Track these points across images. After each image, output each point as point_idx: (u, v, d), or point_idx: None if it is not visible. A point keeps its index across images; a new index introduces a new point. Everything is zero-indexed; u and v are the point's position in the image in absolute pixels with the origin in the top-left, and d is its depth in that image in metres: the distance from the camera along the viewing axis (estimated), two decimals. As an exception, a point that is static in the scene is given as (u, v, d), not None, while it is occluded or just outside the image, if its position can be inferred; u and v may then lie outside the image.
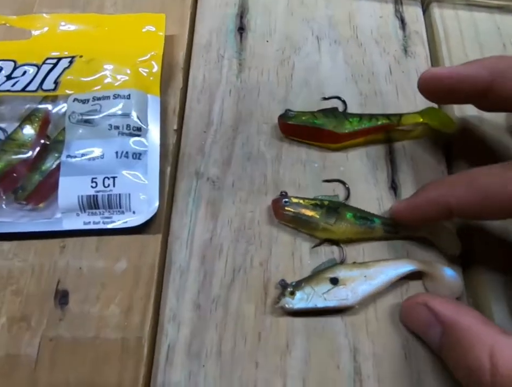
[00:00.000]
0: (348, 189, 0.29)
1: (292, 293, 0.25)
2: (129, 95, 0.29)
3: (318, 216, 0.27)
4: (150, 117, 0.30)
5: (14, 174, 0.28)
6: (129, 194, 0.27)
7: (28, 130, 0.28)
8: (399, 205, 0.27)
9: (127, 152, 0.28)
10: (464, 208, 0.23)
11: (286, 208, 0.27)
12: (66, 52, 0.31)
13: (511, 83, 0.24)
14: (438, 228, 0.27)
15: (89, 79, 0.29)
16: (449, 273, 0.25)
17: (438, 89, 0.26)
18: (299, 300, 0.24)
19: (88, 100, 0.29)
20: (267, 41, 0.35)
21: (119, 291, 0.26)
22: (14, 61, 0.30)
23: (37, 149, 0.28)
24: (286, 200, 0.27)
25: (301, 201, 0.27)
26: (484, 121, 0.31)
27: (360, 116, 0.30)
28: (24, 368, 0.24)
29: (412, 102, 0.32)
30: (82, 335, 0.25)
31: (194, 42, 0.35)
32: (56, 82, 0.29)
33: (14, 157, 0.28)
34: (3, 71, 0.30)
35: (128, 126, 0.28)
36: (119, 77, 0.30)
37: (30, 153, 0.28)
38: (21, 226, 0.27)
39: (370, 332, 0.25)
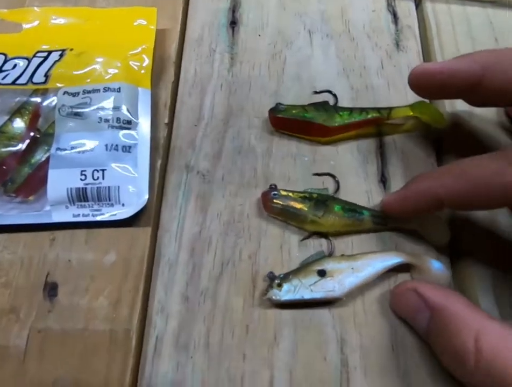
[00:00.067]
0: (337, 182, 0.29)
1: (280, 285, 0.25)
2: (119, 88, 0.29)
3: (306, 209, 0.27)
4: (140, 111, 0.30)
5: (4, 167, 0.28)
6: (119, 187, 0.27)
7: (18, 123, 0.29)
8: (390, 197, 0.27)
9: (116, 145, 0.28)
10: (454, 199, 0.23)
11: (275, 200, 0.27)
12: (57, 46, 0.31)
13: (502, 76, 0.24)
14: (426, 219, 0.27)
15: (79, 72, 0.30)
16: (436, 266, 0.25)
17: (429, 84, 0.26)
18: (286, 292, 0.25)
19: (78, 93, 0.29)
20: (259, 35, 0.35)
21: (108, 283, 0.26)
22: (5, 54, 0.30)
23: (27, 141, 0.28)
24: (275, 193, 0.27)
25: (290, 194, 0.27)
26: (474, 116, 0.31)
27: (350, 110, 0.30)
28: (13, 360, 0.24)
29: (403, 97, 0.32)
30: (70, 327, 0.25)
31: (186, 36, 0.35)
32: (46, 75, 0.29)
33: (3, 149, 0.28)
34: (-6, 64, 0.30)
35: (118, 119, 0.28)
36: (109, 70, 0.30)
37: (20, 146, 0.28)
38: (10, 218, 0.27)
39: (357, 324, 0.25)
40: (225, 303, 0.26)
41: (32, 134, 0.29)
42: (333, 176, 0.29)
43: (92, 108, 0.28)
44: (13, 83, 0.29)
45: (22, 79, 0.29)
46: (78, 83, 0.29)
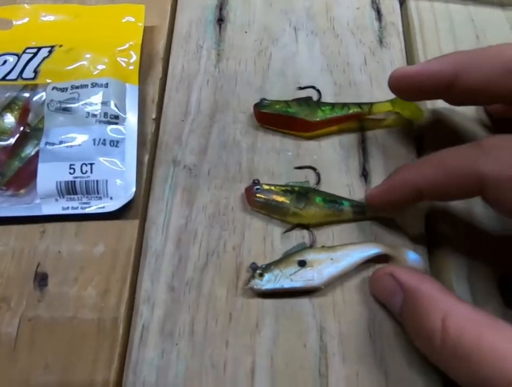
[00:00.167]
0: (318, 175, 0.30)
1: (261, 275, 0.26)
2: (107, 84, 0.30)
3: (288, 202, 0.28)
4: (128, 106, 0.30)
5: (-6, 161, 0.28)
6: (107, 180, 0.28)
7: (9, 118, 0.29)
8: (373, 191, 0.27)
9: (104, 140, 0.29)
10: (433, 189, 0.24)
11: (258, 195, 0.28)
12: (46, 42, 0.31)
13: (475, 76, 0.25)
14: (404, 209, 0.28)
15: (68, 68, 0.30)
16: (412, 257, 0.26)
17: (408, 86, 0.27)
18: (267, 281, 0.25)
19: (66, 89, 0.29)
20: (246, 32, 0.35)
21: (97, 273, 0.27)
22: (-5, 51, 0.31)
23: (17, 136, 0.29)
24: (258, 187, 0.28)
25: (272, 187, 0.28)
26: (455, 113, 0.32)
27: (333, 105, 0.31)
28: (4, 347, 0.25)
29: (386, 93, 0.32)
30: (60, 315, 0.26)
31: (174, 32, 0.35)
32: (36, 71, 0.30)
33: (-6, 144, 0.29)
34: (-16, 61, 0.31)
35: (105, 114, 0.29)
36: (97, 66, 0.30)
37: (10, 140, 0.29)
38: (1, 211, 0.28)
39: (336, 313, 0.26)
40: (209, 292, 0.27)
41: (21, 128, 0.29)
42: (313, 169, 0.30)
43: (80, 103, 0.29)
44: (3, 78, 0.30)
45: (12, 75, 0.30)
46: (67, 79, 0.30)
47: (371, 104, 0.31)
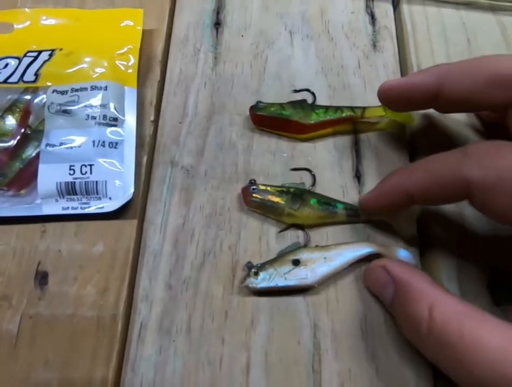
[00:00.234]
0: (314, 176, 0.30)
1: (256, 274, 0.26)
2: (106, 87, 0.30)
3: (283, 202, 0.28)
4: (127, 109, 0.31)
5: (-4, 162, 0.29)
6: (106, 181, 0.29)
7: (10, 120, 0.30)
8: (366, 196, 0.28)
9: (103, 142, 0.29)
10: (422, 194, 0.25)
11: (254, 195, 0.29)
12: (47, 46, 0.32)
13: (458, 87, 0.25)
14: (397, 213, 0.28)
15: (68, 71, 0.31)
16: (402, 254, 0.27)
17: (396, 99, 0.28)
18: (262, 280, 0.26)
19: (66, 92, 0.30)
20: (242, 36, 0.36)
21: (96, 272, 0.28)
22: (-3, 54, 0.32)
23: (18, 138, 0.29)
24: (254, 187, 0.29)
25: (268, 188, 0.29)
26: (446, 117, 0.32)
27: (327, 108, 0.31)
28: (5, 344, 0.26)
29: (379, 95, 0.33)
30: (60, 313, 0.27)
31: (172, 36, 0.36)
32: (36, 74, 0.31)
33: (-5, 145, 0.29)
34: (-15, 64, 0.31)
35: (105, 116, 0.30)
36: (96, 69, 0.31)
37: (11, 142, 0.29)
38: (3, 210, 0.28)
39: (330, 311, 0.27)
40: (206, 291, 0.28)
41: (22, 130, 0.30)
42: (309, 171, 0.30)
43: (80, 105, 0.30)
44: (5, 81, 0.31)
45: (14, 78, 0.31)
46: (66, 82, 0.31)
47: (364, 108, 0.31)
